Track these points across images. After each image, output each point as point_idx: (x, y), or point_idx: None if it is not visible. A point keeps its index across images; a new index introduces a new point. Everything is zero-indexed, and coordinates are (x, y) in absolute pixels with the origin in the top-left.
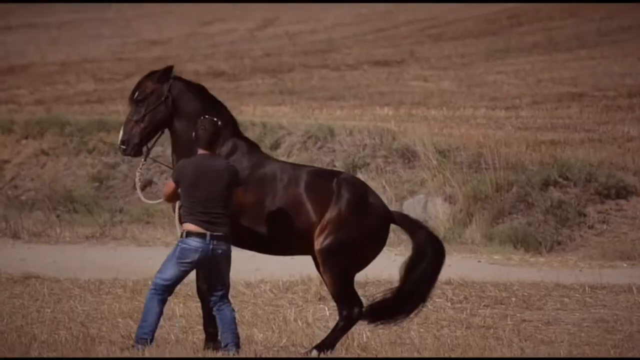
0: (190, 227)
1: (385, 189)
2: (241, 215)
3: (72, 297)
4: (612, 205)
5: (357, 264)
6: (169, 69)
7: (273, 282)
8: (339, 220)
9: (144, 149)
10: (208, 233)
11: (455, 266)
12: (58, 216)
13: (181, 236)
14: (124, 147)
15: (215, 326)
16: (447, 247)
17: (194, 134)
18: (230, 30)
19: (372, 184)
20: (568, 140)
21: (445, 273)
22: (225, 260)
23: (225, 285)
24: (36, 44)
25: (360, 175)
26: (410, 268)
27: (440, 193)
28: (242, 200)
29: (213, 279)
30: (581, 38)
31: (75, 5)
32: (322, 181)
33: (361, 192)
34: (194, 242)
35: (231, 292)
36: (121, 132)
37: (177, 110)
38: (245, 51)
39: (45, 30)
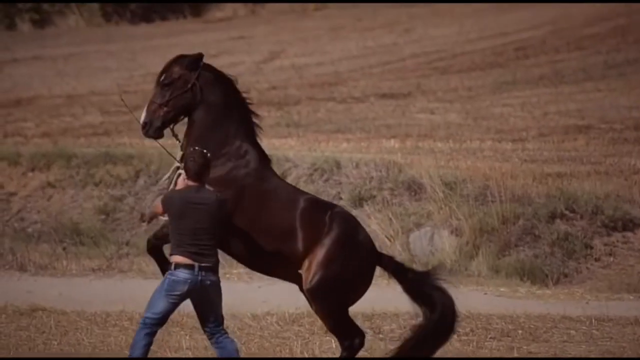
0: (178, 259)
1: (391, 221)
2: (233, 223)
3: (79, 330)
4: (618, 237)
5: (346, 300)
6: (199, 57)
7: (279, 314)
8: (326, 257)
9: (169, 131)
10: (196, 264)
11: (462, 298)
12: (64, 249)
13: (169, 268)
14: (145, 129)
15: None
16: (453, 279)
17: (182, 165)
18: (236, 63)
19: (378, 217)
20: (574, 172)
21: None
22: (215, 290)
23: (218, 316)
24: (42, 77)
25: (367, 208)
26: (425, 321)
27: (447, 225)
28: (237, 208)
29: (205, 311)
30: (587, 71)
31: (81, 37)
32: (317, 211)
33: (351, 229)
34: (183, 274)
35: (237, 325)
36: (144, 113)
37: (201, 98)
38: (252, 83)
39: (51, 63)
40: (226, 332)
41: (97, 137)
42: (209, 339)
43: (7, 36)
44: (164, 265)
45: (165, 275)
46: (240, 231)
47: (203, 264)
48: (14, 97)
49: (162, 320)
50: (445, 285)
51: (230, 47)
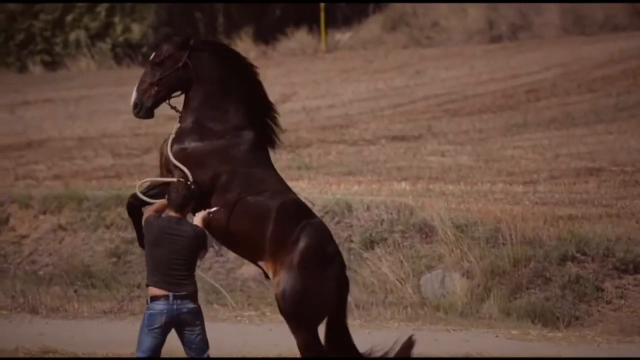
0: (153, 291)
1: (402, 264)
2: (215, 196)
3: None
4: (629, 280)
5: (315, 313)
6: (187, 39)
7: (291, 356)
8: (295, 265)
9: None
10: (170, 294)
11: (473, 341)
12: (76, 291)
13: (147, 302)
14: (136, 109)
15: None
16: (464, 321)
17: (166, 196)
18: None
19: (389, 259)
20: (586, 215)
21: (463, 348)
22: (194, 317)
23: (201, 342)
24: (54, 119)
25: (378, 251)
26: None
27: (458, 268)
28: (220, 185)
29: (187, 337)
30: (598, 113)
31: (92, 80)
32: (294, 214)
33: (321, 241)
34: (159, 306)
35: None
36: (134, 93)
37: (196, 77)
38: None
39: (62, 105)
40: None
41: (108, 179)
42: None
43: (19, 79)
44: (140, 227)
45: (145, 310)
46: (220, 207)
47: (178, 293)
48: (25, 140)
49: (152, 356)
50: None
51: None
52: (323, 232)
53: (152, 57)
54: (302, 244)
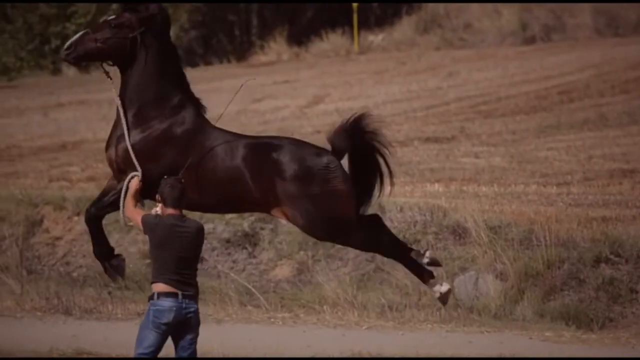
0: (161, 287)
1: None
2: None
3: None
4: None
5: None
6: (152, 17)
7: (324, 358)
8: (293, 197)
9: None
10: (180, 292)
11: (507, 343)
12: (110, 293)
13: (151, 298)
14: (68, 50)
15: (106, 245)
16: (498, 323)
17: (159, 194)
18: (281, 107)
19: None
20: (620, 216)
21: (496, 350)
22: (196, 319)
23: (194, 344)
24: (87, 121)
25: None
26: None
27: (491, 270)
28: (181, 164)
29: (184, 338)
30: (632, 114)
31: None
32: (261, 153)
33: (303, 159)
34: (167, 302)
35: None
36: (75, 37)
37: (135, 58)
38: (296, 128)
39: (96, 107)
40: None
41: None
42: None
43: (53, 81)
44: (99, 237)
45: (148, 307)
46: (192, 185)
47: (186, 292)
48: (59, 142)
49: (154, 353)
50: None
51: (275, 91)
52: (299, 151)
53: (111, 18)
54: (290, 172)
